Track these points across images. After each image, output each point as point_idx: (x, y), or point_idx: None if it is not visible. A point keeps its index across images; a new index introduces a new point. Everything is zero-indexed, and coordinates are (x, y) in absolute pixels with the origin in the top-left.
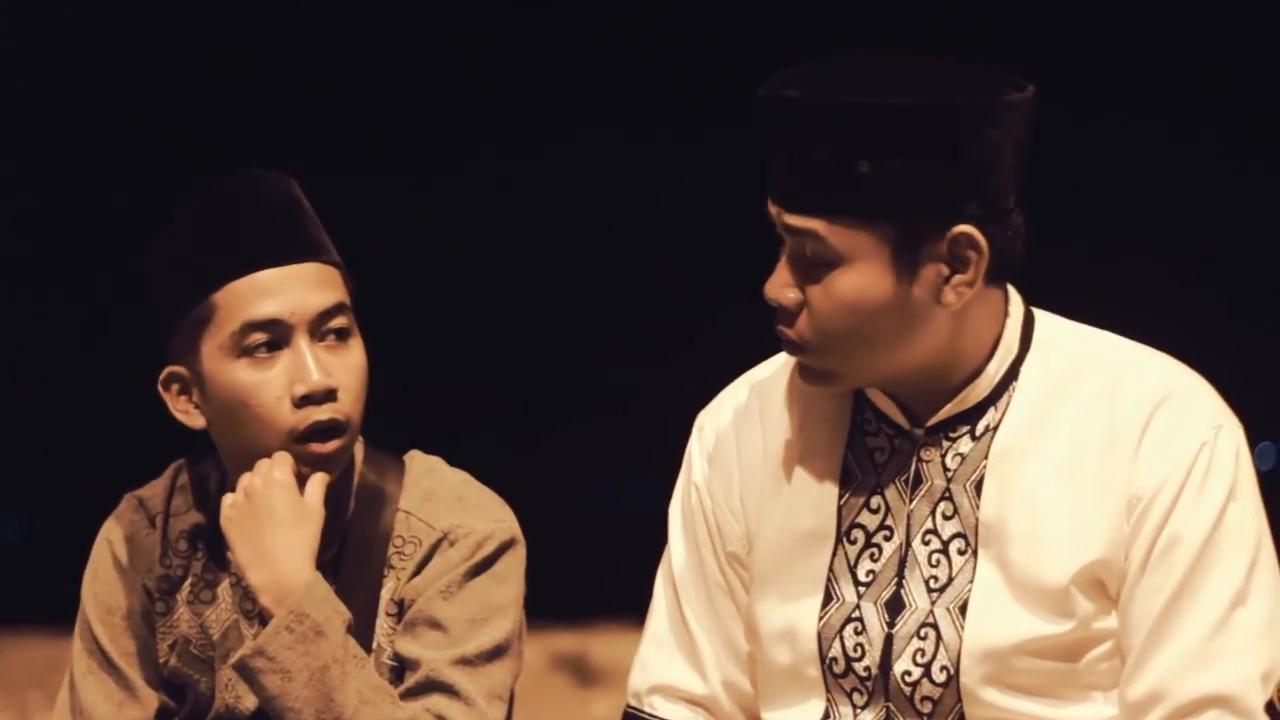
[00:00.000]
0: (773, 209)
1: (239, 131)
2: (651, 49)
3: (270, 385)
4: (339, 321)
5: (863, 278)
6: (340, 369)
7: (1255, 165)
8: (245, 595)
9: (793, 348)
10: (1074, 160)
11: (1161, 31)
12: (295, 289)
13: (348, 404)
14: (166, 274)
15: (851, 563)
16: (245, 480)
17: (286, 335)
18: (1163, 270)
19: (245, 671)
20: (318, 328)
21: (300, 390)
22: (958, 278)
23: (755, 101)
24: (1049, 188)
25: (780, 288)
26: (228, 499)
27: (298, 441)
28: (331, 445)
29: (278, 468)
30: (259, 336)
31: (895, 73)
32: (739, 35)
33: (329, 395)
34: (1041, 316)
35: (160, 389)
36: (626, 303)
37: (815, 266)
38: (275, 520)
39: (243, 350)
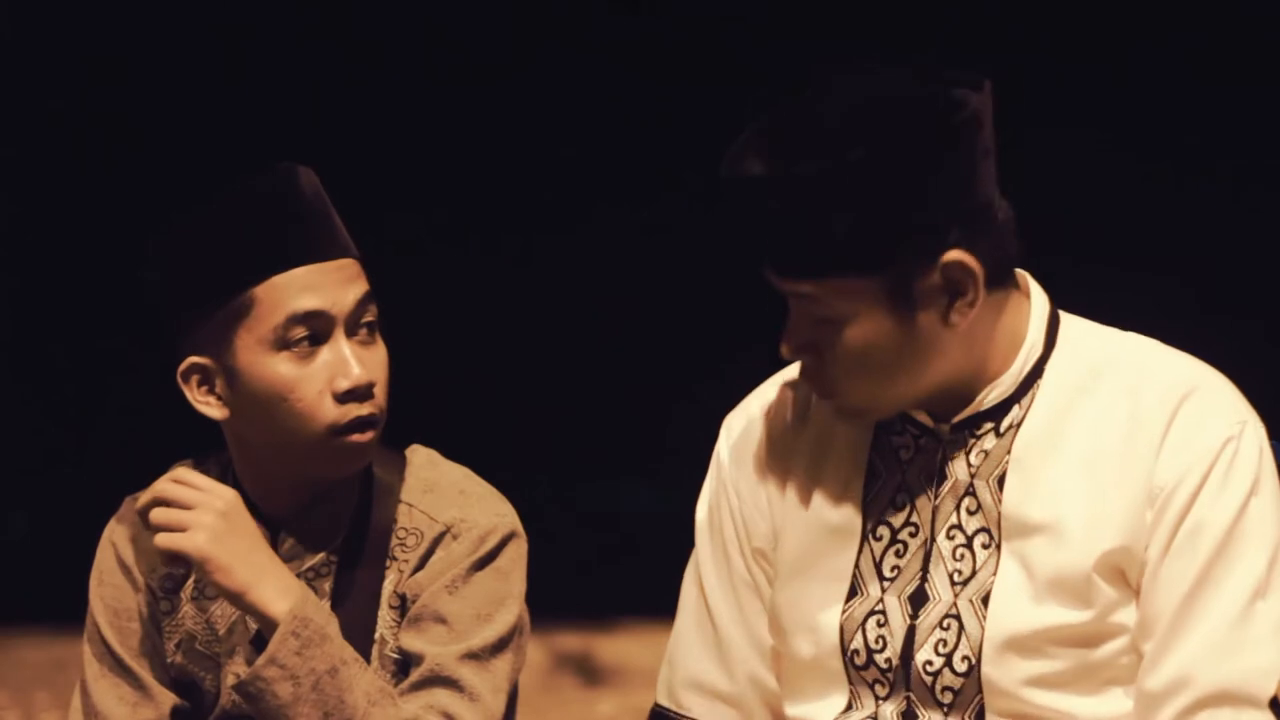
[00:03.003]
0: (768, 273)
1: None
2: (685, 79)
3: (313, 380)
4: (370, 314)
5: (866, 329)
6: (373, 363)
7: (1257, 169)
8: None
9: (821, 391)
10: (1066, 164)
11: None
12: (333, 283)
13: (381, 397)
14: (195, 266)
15: (877, 559)
16: (205, 499)
17: (328, 328)
18: (1166, 268)
19: (256, 683)
20: (352, 321)
21: (343, 385)
22: (959, 301)
23: (718, 181)
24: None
25: (794, 349)
26: (176, 533)
27: (337, 435)
28: (369, 435)
29: (224, 487)
30: (301, 330)
31: (845, 116)
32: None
33: (369, 390)
34: (1068, 318)
35: (180, 380)
36: (630, 307)
37: (820, 323)
38: (256, 536)
39: (284, 344)
